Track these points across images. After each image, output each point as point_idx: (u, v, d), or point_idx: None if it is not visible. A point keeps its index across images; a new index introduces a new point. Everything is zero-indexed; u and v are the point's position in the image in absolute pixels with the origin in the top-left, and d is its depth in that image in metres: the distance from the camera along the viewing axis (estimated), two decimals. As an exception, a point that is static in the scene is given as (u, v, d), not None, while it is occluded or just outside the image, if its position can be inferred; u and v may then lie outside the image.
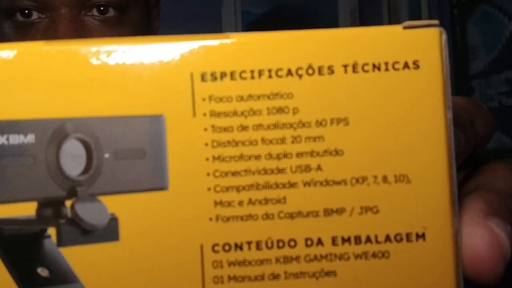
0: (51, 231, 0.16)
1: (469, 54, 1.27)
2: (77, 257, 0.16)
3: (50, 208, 0.16)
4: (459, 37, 1.30)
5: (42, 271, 0.16)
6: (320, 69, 0.16)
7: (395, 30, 0.16)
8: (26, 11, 0.48)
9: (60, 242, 0.16)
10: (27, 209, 0.16)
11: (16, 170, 0.16)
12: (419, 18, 1.32)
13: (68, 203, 0.16)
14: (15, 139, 0.16)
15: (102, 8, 0.49)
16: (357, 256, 0.16)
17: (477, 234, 0.16)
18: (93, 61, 0.16)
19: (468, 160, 0.20)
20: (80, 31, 0.48)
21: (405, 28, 0.16)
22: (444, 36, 0.16)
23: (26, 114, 0.16)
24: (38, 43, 0.16)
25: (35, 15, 0.48)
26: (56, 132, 0.16)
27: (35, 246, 0.16)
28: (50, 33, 0.47)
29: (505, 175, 0.19)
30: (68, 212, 0.16)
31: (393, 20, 1.41)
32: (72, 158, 0.16)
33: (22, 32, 0.49)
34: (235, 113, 0.16)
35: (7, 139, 0.16)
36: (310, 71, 0.16)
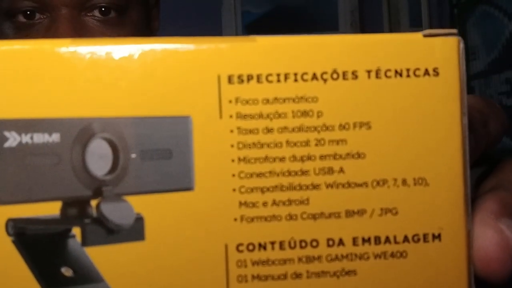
0: (76, 231, 0.16)
1: (469, 54, 1.28)
2: (101, 256, 0.16)
3: (75, 208, 0.16)
4: (459, 37, 1.31)
5: (66, 271, 0.16)
6: (344, 74, 0.16)
7: (416, 37, 0.17)
8: (28, 12, 0.48)
9: (85, 242, 0.16)
10: (51, 209, 0.16)
11: (40, 169, 0.16)
12: (419, 18, 1.33)
13: (93, 202, 0.16)
14: (40, 138, 0.16)
15: (103, 9, 0.48)
16: (376, 256, 0.17)
17: (487, 236, 0.17)
18: (121, 61, 0.16)
19: (481, 159, 0.21)
20: (80, 32, 0.48)
21: (425, 36, 0.17)
22: (461, 45, 0.17)
23: (51, 113, 0.16)
24: (64, 41, 0.16)
25: (36, 16, 0.48)
26: (82, 132, 0.16)
27: (59, 245, 0.16)
28: (50, 33, 0.47)
29: None
30: (93, 212, 0.16)
31: (393, 20, 1.42)
32: (98, 158, 0.16)
33: (23, 32, 0.48)
34: (260, 116, 0.16)
35: (31, 137, 0.16)
36: (335, 76, 0.16)
